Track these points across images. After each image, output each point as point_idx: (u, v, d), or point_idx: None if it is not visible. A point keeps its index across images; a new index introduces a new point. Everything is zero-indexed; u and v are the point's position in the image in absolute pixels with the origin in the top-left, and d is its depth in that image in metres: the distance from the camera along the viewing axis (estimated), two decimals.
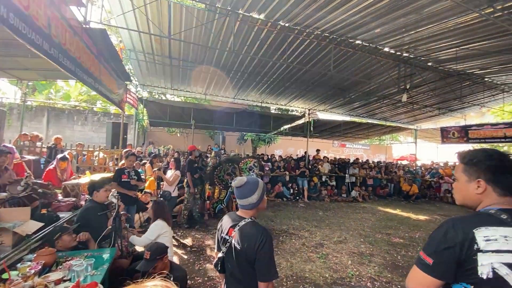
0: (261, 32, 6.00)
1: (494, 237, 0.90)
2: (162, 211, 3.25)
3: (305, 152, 11.44)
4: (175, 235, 4.94)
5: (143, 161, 7.05)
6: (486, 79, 8.30)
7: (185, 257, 4.10)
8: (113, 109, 13.48)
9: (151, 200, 5.18)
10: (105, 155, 7.51)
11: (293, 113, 12.76)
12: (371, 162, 12.46)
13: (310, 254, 4.34)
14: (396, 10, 4.77)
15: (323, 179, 10.62)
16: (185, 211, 5.67)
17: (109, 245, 2.66)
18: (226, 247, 1.43)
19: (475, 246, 0.90)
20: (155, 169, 6.30)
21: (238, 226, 1.40)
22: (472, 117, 12.56)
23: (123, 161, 5.64)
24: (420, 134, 13.61)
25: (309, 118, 11.69)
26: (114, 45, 5.30)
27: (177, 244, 4.61)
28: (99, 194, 2.91)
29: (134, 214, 4.55)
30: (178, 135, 15.73)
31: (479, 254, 0.90)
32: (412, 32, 5.58)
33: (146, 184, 6.08)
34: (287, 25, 5.69)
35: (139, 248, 3.32)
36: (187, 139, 15.61)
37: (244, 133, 15.63)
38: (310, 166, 10.47)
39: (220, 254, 1.47)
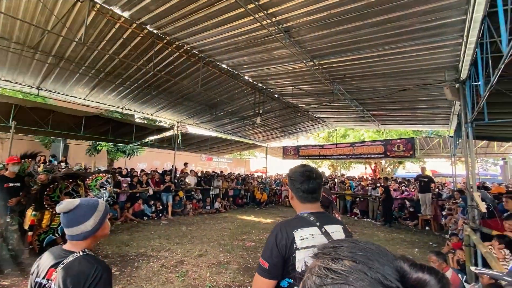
0: (125, 31, 5.41)
1: (306, 236, 1.12)
2: None
3: (172, 165, 11.01)
4: None
5: None
6: (309, 113, 11.38)
7: None
8: None
9: None
10: None
11: (161, 124, 12.08)
12: (232, 174, 13.73)
13: (169, 275, 4.12)
14: (253, 47, 5.70)
15: (190, 193, 10.56)
16: None
17: None
18: None
19: (295, 246, 1.10)
20: None
21: (63, 264, 1.08)
22: (302, 139, 16.71)
23: None
24: (270, 151, 16.52)
25: (177, 130, 11.44)
26: None
27: None
28: None
29: None
30: None
31: (296, 251, 1.10)
32: (265, 67, 6.83)
33: None
34: (155, 31, 5.45)
35: None
36: (1, 146, 11.15)
37: (98, 142, 13.08)
38: (176, 180, 10.14)
39: None
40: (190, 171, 11.58)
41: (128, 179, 8.84)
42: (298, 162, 14.26)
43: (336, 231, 1.20)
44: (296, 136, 15.49)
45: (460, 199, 6.40)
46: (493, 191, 5.70)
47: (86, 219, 1.15)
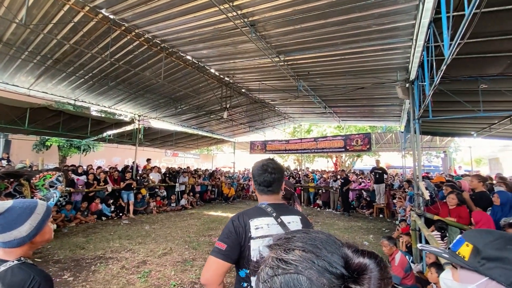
0: (76, 15, 4.90)
1: (261, 225, 1.16)
2: None
3: (133, 162, 10.41)
4: None
5: None
6: (276, 108, 11.57)
7: None
8: None
9: None
10: None
11: (120, 117, 11.28)
12: (199, 170, 13.46)
13: (130, 276, 3.91)
14: (218, 39, 5.58)
15: (154, 190, 10.10)
16: None
17: None
18: None
19: (249, 234, 1.13)
20: None
21: None
22: (269, 134, 16.96)
23: None
24: (238, 146, 16.50)
25: (139, 124, 10.80)
26: None
27: None
28: None
29: None
30: None
31: (251, 241, 1.13)
32: (231, 61, 6.75)
33: None
34: (112, 17, 5.02)
35: None
36: None
37: (46, 137, 11.80)
38: (138, 177, 9.61)
39: None
40: (153, 167, 11.07)
41: (84, 177, 8.15)
42: (265, 156, 14.46)
43: (293, 222, 1.24)
44: (264, 131, 15.68)
45: (410, 188, 7.10)
46: (434, 180, 6.41)
47: (19, 224, 1.01)
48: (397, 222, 7.01)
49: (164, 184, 10.48)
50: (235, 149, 16.37)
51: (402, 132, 10.30)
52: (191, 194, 11.18)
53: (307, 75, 7.11)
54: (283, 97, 9.54)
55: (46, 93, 8.45)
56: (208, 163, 22.28)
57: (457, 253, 0.73)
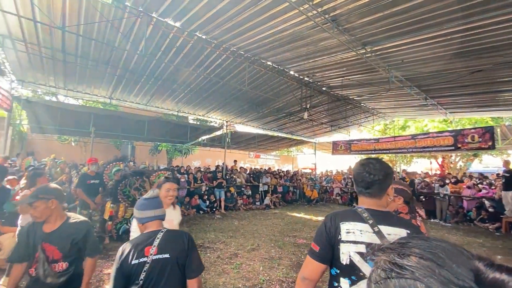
0: (177, 40, 5.85)
1: (352, 230, 1.10)
2: None
3: (223, 163, 11.58)
4: None
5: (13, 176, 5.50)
6: (362, 104, 10.62)
7: None
8: None
9: None
10: None
11: (212, 124, 12.79)
12: (281, 171, 13.73)
13: (224, 266, 4.35)
14: (298, 41, 5.57)
15: (240, 189, 10.97)
16: None
17: None
18: (145, 271, 1.29)
19: (339, 237, 1.10)
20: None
21: (158, 239, 1.38)
22: (354, 133, 15.69)
23: None
24: (319, 147, 15.98)
25: (227, 129, 11.95)
26: None
27: None
28: None
29: None
30: (73, 144, 13.20)
31: (341, 243, 1.09)
32: (311, 60, 6.62)
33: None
34: (204, 37, 5.76)
35: None
36: (84, 149, 13.28)
37: (158, 143, 14.53)
38: (227, 177, 10.64)
39: None
40: (240, 168, 11.99)
41: (185, 176, 9.61)
42: (349, 157, 13.51)
43: (395, 234, 1.08)
44: (347, 130, 14.65)
45: None
46: None
47: (162, 206, 1.57)
48: None
49: (249, 184, 11.20)
50: (316, 150, 15.91)
51: None
52: (273, 194, 11.53)
53: (401, 63, 6.24)
54: (371, 91, 8.68)
55: (158, 107, 10.45)
56: (289, 164, 22.51)
57: None
